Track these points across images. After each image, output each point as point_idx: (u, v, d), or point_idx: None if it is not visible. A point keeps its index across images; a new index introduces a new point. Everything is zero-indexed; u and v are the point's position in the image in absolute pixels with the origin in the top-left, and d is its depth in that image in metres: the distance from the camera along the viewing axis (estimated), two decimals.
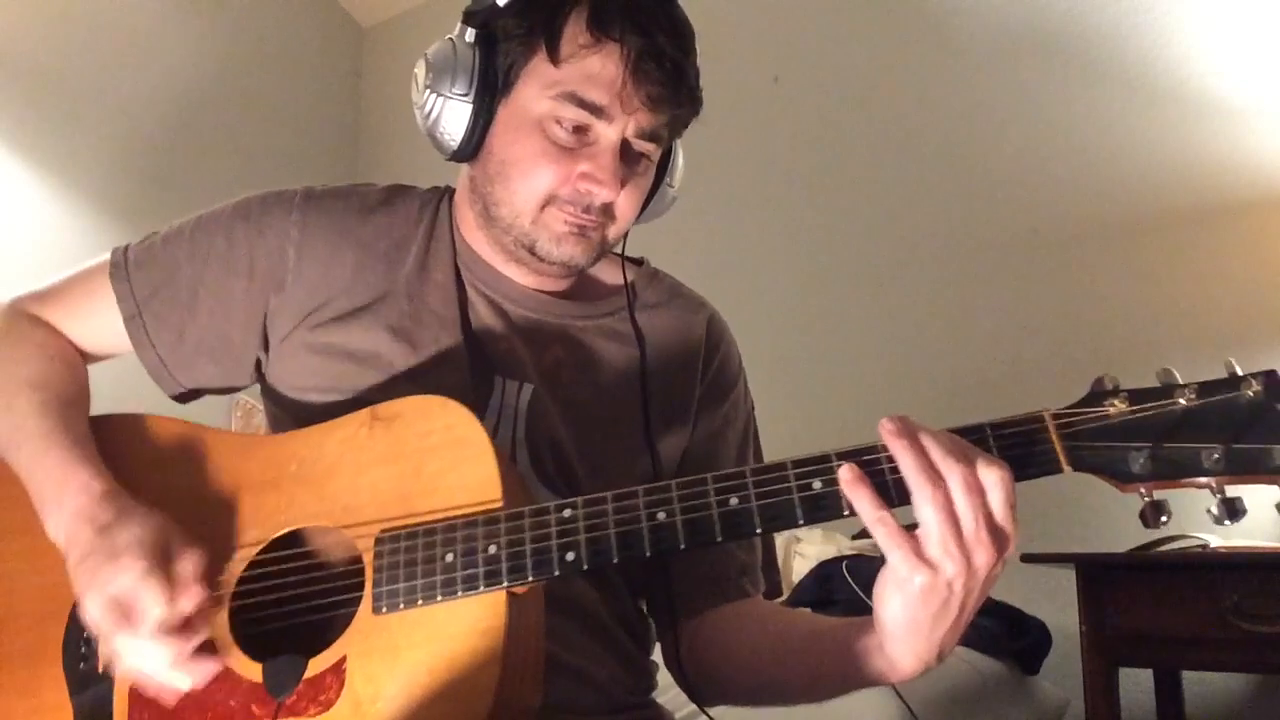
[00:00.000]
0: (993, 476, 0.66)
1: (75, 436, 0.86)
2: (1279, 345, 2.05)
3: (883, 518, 0.67)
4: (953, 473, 0.66)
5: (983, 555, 0.66)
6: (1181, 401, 0.67)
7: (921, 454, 0.67)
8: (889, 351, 2.55)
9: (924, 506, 0.66)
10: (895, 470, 0.68)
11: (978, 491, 0.66)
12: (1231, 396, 0.66)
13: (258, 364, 0.99)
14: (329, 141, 3.72)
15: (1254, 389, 0.66)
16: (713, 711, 0.95)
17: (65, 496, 0.81)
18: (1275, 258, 2.07)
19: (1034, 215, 2.41)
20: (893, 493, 0.69)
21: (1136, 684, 1.93)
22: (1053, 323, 2.34)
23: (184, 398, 1.02)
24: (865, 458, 0.71)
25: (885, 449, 0.70)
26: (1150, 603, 1.65)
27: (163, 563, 0.75)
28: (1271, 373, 0.66)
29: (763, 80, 2.82)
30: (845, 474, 0.69)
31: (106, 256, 0.99)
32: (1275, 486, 0.66)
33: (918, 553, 0.66)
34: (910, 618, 0.69)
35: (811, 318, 2.69)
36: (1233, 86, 2.18)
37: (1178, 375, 0.69)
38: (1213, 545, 1.68)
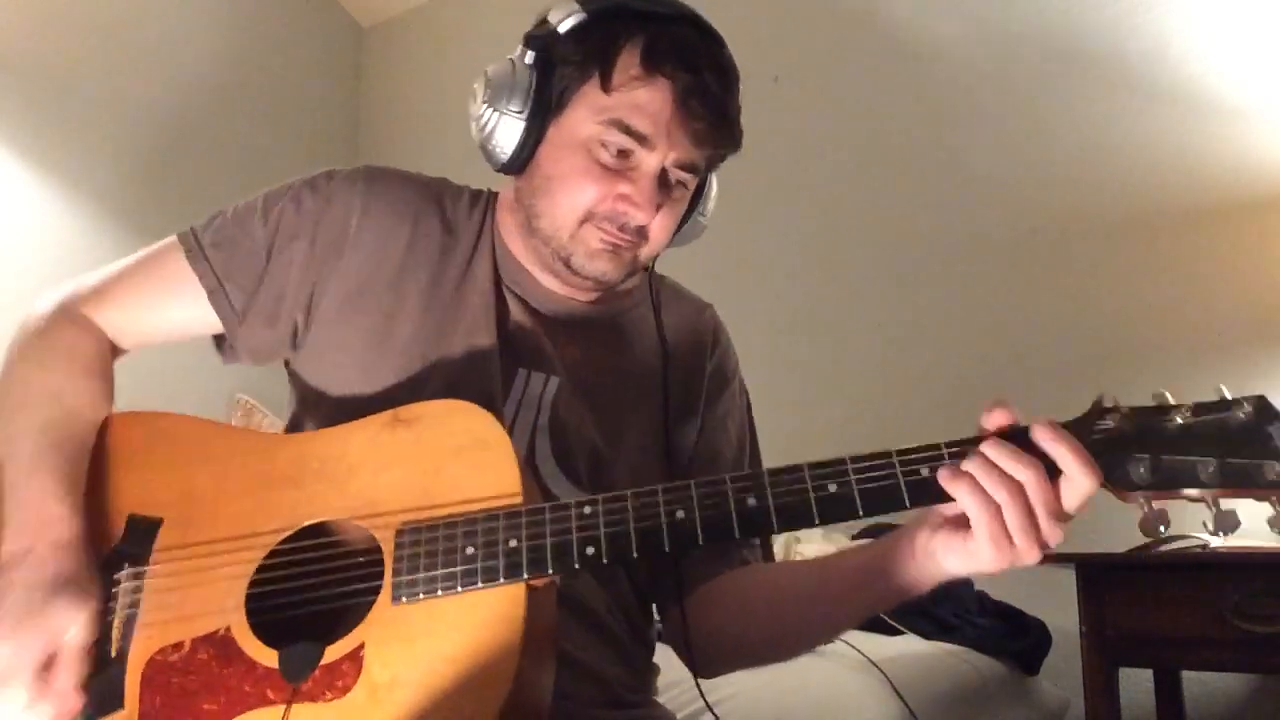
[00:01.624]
0: (1074, 472, 0.71)
1: (66, 465, 0.87)
2: (1278, 345, 2.05)
3: (993, 512, 0.72)
4: (1025, 475, 0.72)
5: (1056, 537, 0.73)
6: (1178, 419, 0.72)
7: (994, 468, 0.72)
8: (888, 350, 2.55)
9: (1012, 513, 0.72)
10: (909, 473, 0.74)
11: (1046, 489, 0.72)
12: (1224, 416, 0.71)
13: (293, 336, 1.02)
14: (329, 141, 3.72)
15: (1245, 411, 0.70)
16: (720, 710, 0.97)
17: (31, 524, 0.82)
18: (1275, 258, 2.07)
19: (1034, 215, 2.41)
20: (905, 496, 0.74)
21: (1136, 684, 1.93)
22: (1052, 322, 2.34)
23: (231, 359, 1.05)
24: (878, 461, 0.75)
25: (895, 455, 0.75)
26: (1150, 603, 1.65)
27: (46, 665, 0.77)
28: (1262, 397, 0.71)
29: (763, 80, 2.82)
30: (944, 474, 0.73)
31: (168, 241, 1.02)
32: (1266, 503, 0.70)
33: (1007, 540, 0.72)
34: (968, 572, 0.77)
35: (811, 317, 2.69)
36: (1233, 86, 2.19)
37: (1170, 397, 0.73)
38: (1213, 546, 1.68)
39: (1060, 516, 0.72)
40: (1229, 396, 0.72)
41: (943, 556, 0.78)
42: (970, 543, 0.74)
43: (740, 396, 1.13)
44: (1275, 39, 2.16)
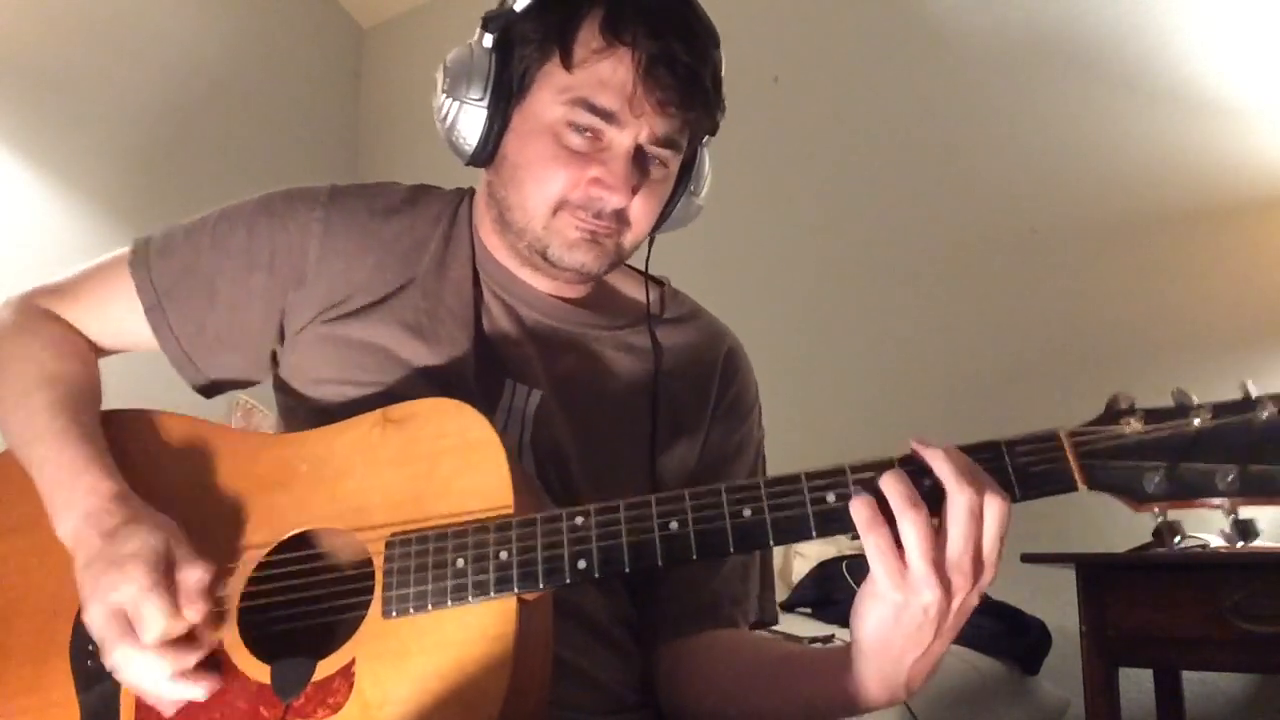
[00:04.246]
0: (994, 508, 0.66)
1: (87, 436, 0.86)
2: (1277, 346, 2.05)
3: (876, 525, 0.67)
4: (960, 495, 0.66)
5: (960, 581, 0.67)
6: (1196, 422, 0.66)
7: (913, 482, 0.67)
8: (888, 351, 2.55)
9: (908, 529, 0.66)
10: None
11: (977, 519, 0.66)
12: (1247, 418, 0.66)
13: (274, 357, 0.99)
14: (329, 141, 3.72)
15: (1269, 410, 0.65)
16: None
17: (75, 497, 0.80)
18: (1275, 258, 2.07)
19: (1033, 215, 2.41)
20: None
21: (1136, 684, 1.93)
22: (1052, 323, 2.34)
23: (207, 390, 1.02)
24: (879, 473, 0.70)
25: (898, 461, 0.70)
26: (1150, 603, 1.64)
27: (168, 573, 0.75)
28: None
29: (763, 80, 2.82)
30: (856, 503, 0.68)
31: (125, 249, 0.99)
32: None
33: (900, 572, 0.67)
34: (884, 636, 0.70)
35: (810, 318, 2.69)
36: (1233, 86, 2.19)
37: (1193, 396, 0.68)
38: (1213, 545, 1.68)
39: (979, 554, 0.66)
40: (1253, 393, 0.66)
41: (860, 613, 0.71)
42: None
43: (757, 430, 1.07)
44: (1275, 39, 2.16)
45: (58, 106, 2.86)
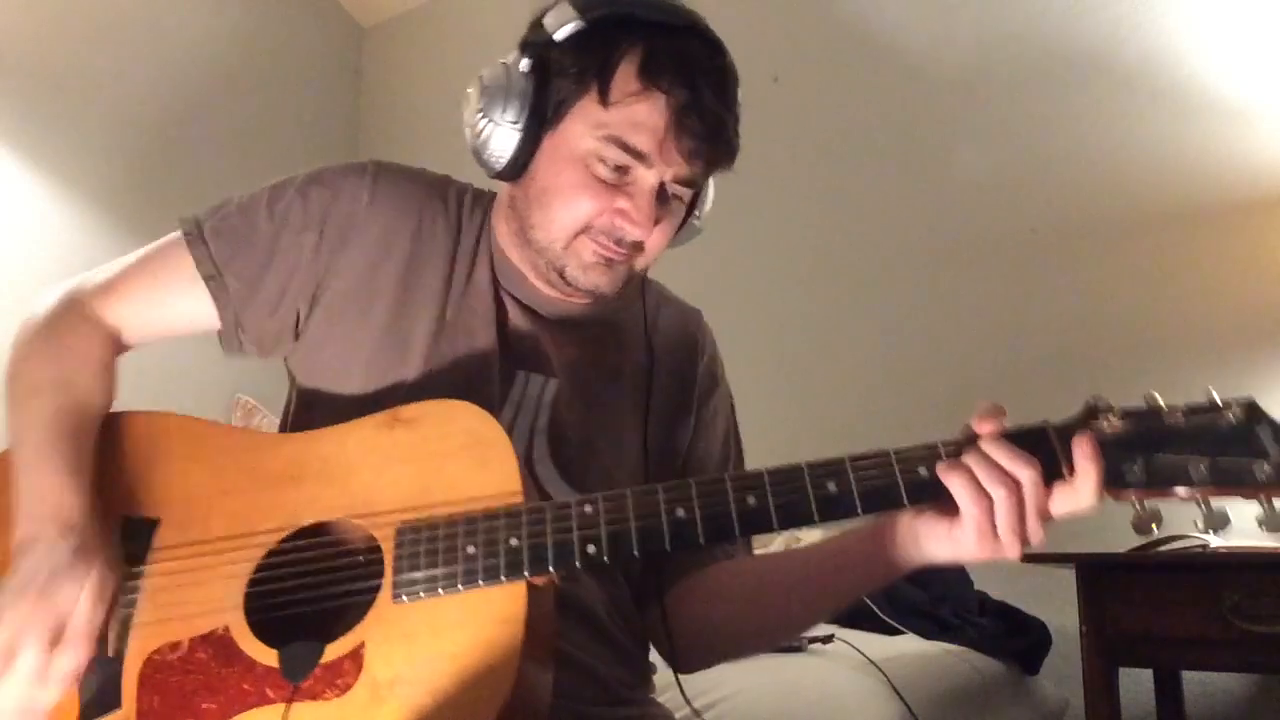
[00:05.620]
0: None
1: (75, 452, 0.88)
2: (1278, 346, 2.05)
3: (985, 506, 0.75)
4: (1024, 475, 0.75)
5: (1039, 536, 0.76)
6: (1169, 420, 0.75)
7: (994, 465, 0.76)
8: (887, 351, 2.55)
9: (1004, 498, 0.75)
10: (907, 472, 0.77)
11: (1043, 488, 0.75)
12: (1214, 418, 0.74)
13: (295, 326, 1.02)
14: (329, 141, 3.72)
15: (1235, 413, 0.73)
16: (719, 710, 0.98)
17: (41, 510, 0.83)
18: (1275, 258, 2.07)
19: (1033, 215, 2.41)
20: (904, 495, 0.76)
21: (1136, 684, 1.93)
22: (1051, 323, 2.34)
23: (232, 349, 1.04)
24: (876, 460, 0.77)
25: (893, 454, 0.77)
26: (1150, 603, 1.65)
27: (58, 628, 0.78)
28: (1250, 400, 0.74)
29: (763, 80, 2.81)
30: (942, 466, 0.77)
31: (173, 235, 1.02)
32: (1254, 502, 0.72)
33: (993, 534, 0.75)
34: (945, 560, 0.81)
35: (809, 317, 2.69)
36: (1233, 86, 2.19)
37: (1160, 399, 0.76)
38: (1213, 545, 1.68)
39: (1046, 518, 0.76)
40: (1218, 399, 0.74)
41: (925, 542, 0.81)
42: (955, 531, 0.77)
43: (727, 397, 1.14)
44: (1275, 39, 2.16)
45: (57, 105, 2.86)
